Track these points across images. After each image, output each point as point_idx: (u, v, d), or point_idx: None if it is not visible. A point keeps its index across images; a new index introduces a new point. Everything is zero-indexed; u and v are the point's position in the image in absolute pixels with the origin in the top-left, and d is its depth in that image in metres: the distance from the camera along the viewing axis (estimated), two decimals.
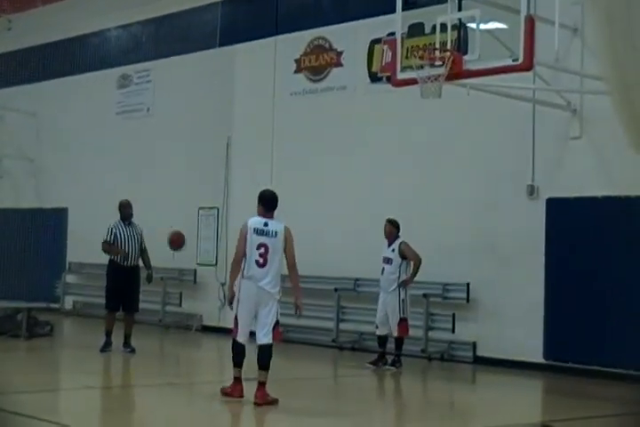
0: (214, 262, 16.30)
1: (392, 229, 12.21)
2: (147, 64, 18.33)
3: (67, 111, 19.71)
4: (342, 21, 15.05)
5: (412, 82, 10.84)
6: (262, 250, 8.86)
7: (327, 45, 15.26)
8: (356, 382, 11.54)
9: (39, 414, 8.12)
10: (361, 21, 14.70)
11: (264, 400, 8.75)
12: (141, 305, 13.12)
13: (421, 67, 10.66)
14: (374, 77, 14.49)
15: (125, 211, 12.99)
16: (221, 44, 16.93)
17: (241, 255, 8.97)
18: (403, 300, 11.94)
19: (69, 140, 19.62)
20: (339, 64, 15.09)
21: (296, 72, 15.67)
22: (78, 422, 8.11)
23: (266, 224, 8.98)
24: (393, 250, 12.08)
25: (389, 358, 12.16)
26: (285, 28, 15.86)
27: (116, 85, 18.90)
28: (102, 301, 13.22)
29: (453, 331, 13.03)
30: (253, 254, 8.87)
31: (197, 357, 14.05)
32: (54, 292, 19.12)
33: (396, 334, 12.05)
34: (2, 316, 14.40)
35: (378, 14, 13.96)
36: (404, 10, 11.31)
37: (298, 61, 15.64)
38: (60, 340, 14.99)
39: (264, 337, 8.86)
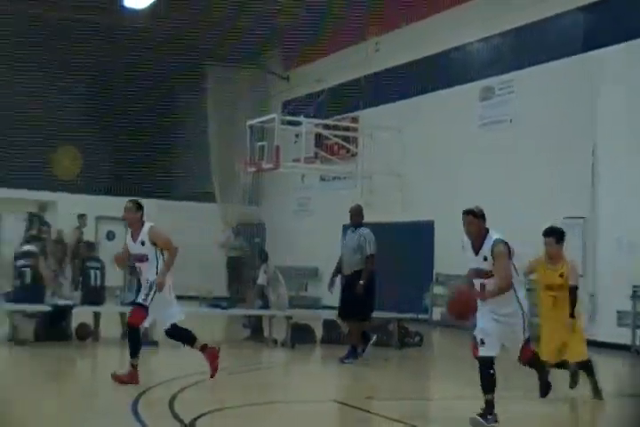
0: (581, 273, 15.77)
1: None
2: (509, 75, 18.28)
3: (430, 126, 20.11)
4: None
5: None
6: None
7: None
8: None
9: (407, 420, 8.33)
10: None
11: None
12: None
13: None
14: None
15: None
16: (584, 50, 16.50)
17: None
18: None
19: (433, 154, 20.04)
20: None
21: None
22: None
23: None
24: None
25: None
26: None
27: (479, 98, 19.03)
28: None
29: None
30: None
31: None
32: (423, 303, 19.57)
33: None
34: (375, 325, 14.97)
35: None
36: None
37: None
38: (429, 350, 15.28)
39: None
